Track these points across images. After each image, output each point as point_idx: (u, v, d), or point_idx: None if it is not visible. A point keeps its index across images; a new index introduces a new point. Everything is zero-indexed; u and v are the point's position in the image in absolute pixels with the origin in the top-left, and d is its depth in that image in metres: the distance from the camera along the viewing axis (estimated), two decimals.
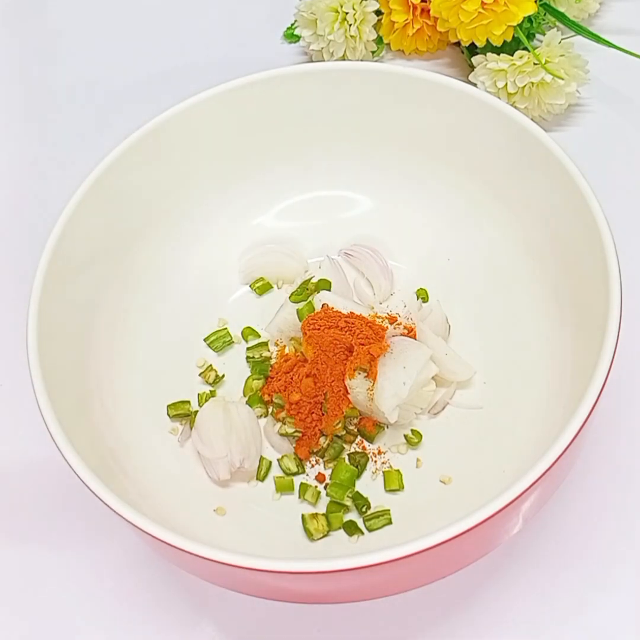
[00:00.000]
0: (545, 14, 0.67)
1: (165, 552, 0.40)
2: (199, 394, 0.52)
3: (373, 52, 0.69)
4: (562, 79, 0.61)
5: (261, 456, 0.50)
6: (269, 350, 0.53)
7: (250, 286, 0.56)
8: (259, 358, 0.53)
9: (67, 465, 0.39)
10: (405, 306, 0.55)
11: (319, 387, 0.49)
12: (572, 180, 0.45)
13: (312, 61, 0.70)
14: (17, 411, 0.53)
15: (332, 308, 0.51)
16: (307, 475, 0.50)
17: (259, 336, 0.54)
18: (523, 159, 0.49)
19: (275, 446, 0.50)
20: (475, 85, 0.63)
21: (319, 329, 0.49)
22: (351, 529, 0.47)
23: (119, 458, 0.46)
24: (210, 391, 0.52)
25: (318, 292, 0.53)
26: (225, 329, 0.55)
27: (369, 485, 0.49)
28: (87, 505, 0.46)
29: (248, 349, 0.54)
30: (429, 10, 0.66)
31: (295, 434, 0.49)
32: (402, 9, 0.67)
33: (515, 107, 0.54)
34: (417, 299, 0.54)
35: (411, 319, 0.53)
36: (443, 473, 0.48)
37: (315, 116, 0.55)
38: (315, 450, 0.49)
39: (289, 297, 0.54)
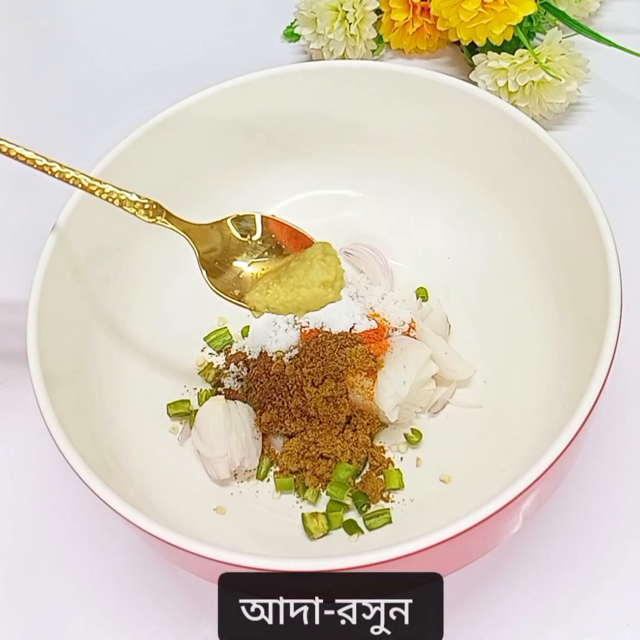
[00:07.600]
0: (545, 13, 0.67)
1: (165, 551, 0.40)
2: (198, 393, 0.52)
3: (373, 51, 0.69)
4: (561, 79, 0.61)
5: (261, 455, 0.50)
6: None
7: None
8: None
9: (67, 465, 0.39)
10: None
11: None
12: (572, 179, 0.45)
13: (312, 60, 0.70)
14: (17, 411, 0.53)
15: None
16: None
17: None
18: (523, 158, 0.49)
19: (276, 445, 0.50)
20: (475, 84, 0.63)
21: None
22: (351, 527, 0.47)
23: (119, 458, 0.46)
24: (210, 390, 0.52)
25: None
26: (225, 328, 0.55)
27: None
28: (87, 505, 0.46)
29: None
30: (429, 9, 0.66)
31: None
32: (402, 8, 0.67)
33: (516, 106, 0.54)
34: (417, 297, 0.54)
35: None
36: (443, 472, 0.48)
37: (315, 115, 0.54)
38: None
39: None
